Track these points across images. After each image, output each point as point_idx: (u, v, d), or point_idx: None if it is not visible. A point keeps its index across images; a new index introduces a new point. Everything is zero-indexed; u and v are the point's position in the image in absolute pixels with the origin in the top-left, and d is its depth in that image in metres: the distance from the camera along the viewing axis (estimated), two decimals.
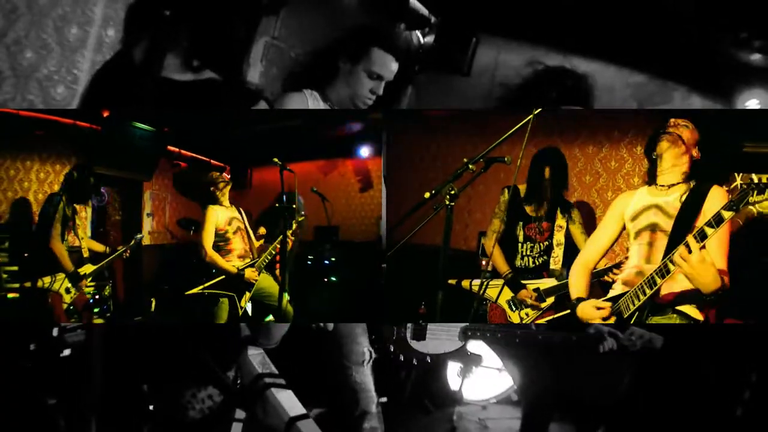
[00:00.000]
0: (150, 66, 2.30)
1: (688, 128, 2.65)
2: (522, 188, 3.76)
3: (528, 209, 3.76)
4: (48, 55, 3.27)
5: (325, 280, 6.00)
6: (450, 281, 3.63)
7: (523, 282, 3.66)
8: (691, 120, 2.69)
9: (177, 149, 6.64)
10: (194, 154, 6.96)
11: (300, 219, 4.58)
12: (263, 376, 2.65)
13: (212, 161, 7.33)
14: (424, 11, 3.99)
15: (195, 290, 4.04)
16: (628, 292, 2.53)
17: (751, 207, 2.23)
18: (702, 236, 2.24)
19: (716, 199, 2.49)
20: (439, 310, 2.54)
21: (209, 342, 2.70)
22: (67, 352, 2.76)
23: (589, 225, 3.98)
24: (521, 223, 3.74)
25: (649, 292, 2.43)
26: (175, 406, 2.65)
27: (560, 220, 3.72)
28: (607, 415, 3.16)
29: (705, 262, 2.23)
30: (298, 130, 5.52)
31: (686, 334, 2.83)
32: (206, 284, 4.06)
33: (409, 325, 3.03)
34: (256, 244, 4.53)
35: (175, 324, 2.79)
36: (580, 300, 2.70)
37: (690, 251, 2.23)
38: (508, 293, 3.69)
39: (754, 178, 2.20)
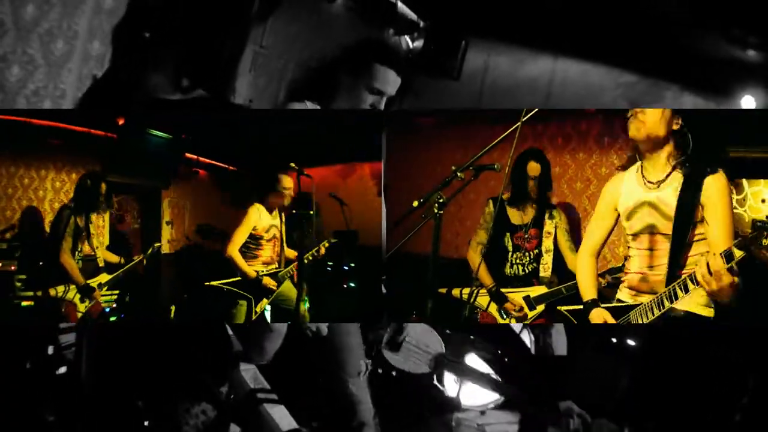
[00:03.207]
0: (137, 85, 2.28)
1: (651, 114, 2.45)
2: (507, 197, 3.73)
3: (513, 216, 3.73)
4: (35, 70, 3.25)
5: (345, 286, 5.97)
6: (440, 290, 3.62)
7: (513, 290, 3.65)
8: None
9: (195, 156, 6.62)
10: (213, 161, 6.95)
11: (333, 240, 4.56)
12: (255, 392, 2.64)
13: (230, 167, 7.30)
14: (413, 16, 3.97)
15: (215, 283, 4.03)
16: (640, 305, 2.52)
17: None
18: (728, 258, 2.19)
19: (712, 188, 2.40)
20: (429, 318, 2.55)
21: (202, 356, 2.70)
22: (63, 369, 2.76)
23: (576, 230, 3.96)
24: (509, 234, 3.72)
25: (657, 312, 2.44)
26: (169, 422, 2.64)
27: (548, 226, 3.70)
28: (605, 417, 3.15)
29: (731, 287, 2.21)
30: (315, 134, 5.47)
31: (684, 335, 2.82)
32: (227, 281, 4.04)
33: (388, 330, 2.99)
34: (291, 254, 4.47)
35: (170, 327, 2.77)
36: (594, 302, 2.67)
37: (710, 273, 2.21)
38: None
39: None
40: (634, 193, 2.61)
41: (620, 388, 3.06)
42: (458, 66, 4.09)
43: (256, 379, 2.71)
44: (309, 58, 3.53)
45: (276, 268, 4.28)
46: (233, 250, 4.07)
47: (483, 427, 3.65)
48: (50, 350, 2.84)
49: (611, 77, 3.90)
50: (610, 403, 3.07)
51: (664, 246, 2.51)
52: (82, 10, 3.28)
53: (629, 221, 2.64)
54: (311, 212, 3.99)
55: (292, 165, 3.73)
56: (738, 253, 2.16)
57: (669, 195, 2.49)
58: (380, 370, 3.02)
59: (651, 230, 2.55)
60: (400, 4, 3.88)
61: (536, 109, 2.52)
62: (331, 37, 3.59)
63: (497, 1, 3.77)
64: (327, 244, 4.53)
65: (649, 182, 2.56)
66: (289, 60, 3.66)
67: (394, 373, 3.02)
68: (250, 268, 4.12)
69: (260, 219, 4.17)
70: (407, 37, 4.05)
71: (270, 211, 4.27)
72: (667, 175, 2.51)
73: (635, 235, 2.62)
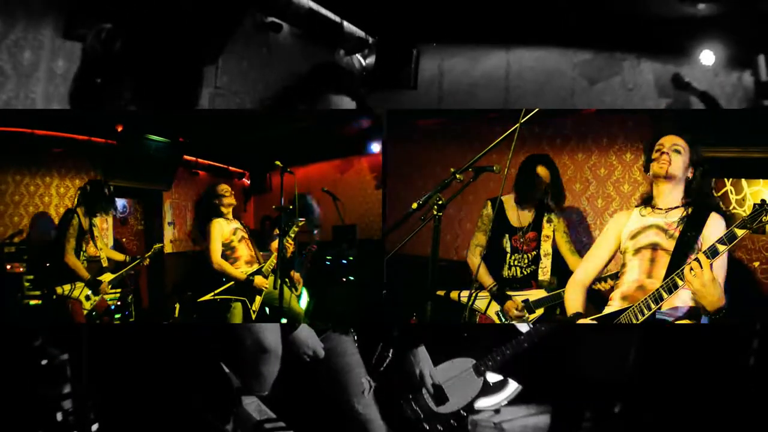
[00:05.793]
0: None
1: (680, 153, 2.62)
2: (506, 199, 3.69)
3: (512, 218, 3.67)
4: None
5: (344, 279, 5.94)
6: (439, 292, 3.57)
7: (512, 293, 3.59)
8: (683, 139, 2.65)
9: (194, 158, 6.76)
10: (211, 162, 7.08)
11: (301, 223, 4.57)
12: (262, 423, 2.61)
13: (230, 167, 7.41)
14: (361, 33, 4.00)
15: (207, 297, 4.07)
16: (630, 307, 2.51)
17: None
18: (713, 253, 2.27)
19: (715, 227, 2.51)
20: (428, 321, 2.53)
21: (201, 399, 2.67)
22: None
23: (574, 231, 3.92)
24: (507, 235, 3.67)
25: (654, 307, 2.42)
26: None
27: (547, 230, 3.64)
28: (621, 391, 3.12)
29: (714, 281, 2.27)
30: (309, 132, 5.49)
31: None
32: (217, 291, 4.08)
33: (426, 394, 2.99)
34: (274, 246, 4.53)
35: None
36: (579, 315, 2.67)
37: (701, 267, 2.26)
38: (496, 304, 3.64)
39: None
40: (642, 219, 2.72)
41: (629, 359, 3.04)
42: (413, 75, 4.11)
43: (261, 411, 2.68)
44: (264, 92, 3.57)
45: (259, 266, 4.32)
46: (218, 260, 4.18)
47: (501, 425, 3.60)
48: (59, 417, 2.83)
49: (566, 58, 3.90)
50: (621, 376, 3.04)
51: (664, 260, 2.55)
52: (36, 78, 3.34)
53: (633, 240, 2.69)
54: (290, 207, 4.05)
55: (277, 163, 3.78)
56: (740, 232, 2.25)
57: (675, 220, 2.60)
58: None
59: (654, 246, 2.61)
60: (346, 24, 3.91)
61: (536, 110, 2.52)
62: (283, 67, 3.62)
63: (441, 5, 3.79)
64: (296, 229, 4.52)
65: (658, 209, 2.68)
66: (245, 97, 3.70)
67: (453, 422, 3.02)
68: (239, 272, 4.19)
69: (222, 229, 4.28)
70: (359, 56, 4.08)
71: (225, 218, 4.36)
72: (676, 207, 2.64)
73: (637, 250, 2.66)
